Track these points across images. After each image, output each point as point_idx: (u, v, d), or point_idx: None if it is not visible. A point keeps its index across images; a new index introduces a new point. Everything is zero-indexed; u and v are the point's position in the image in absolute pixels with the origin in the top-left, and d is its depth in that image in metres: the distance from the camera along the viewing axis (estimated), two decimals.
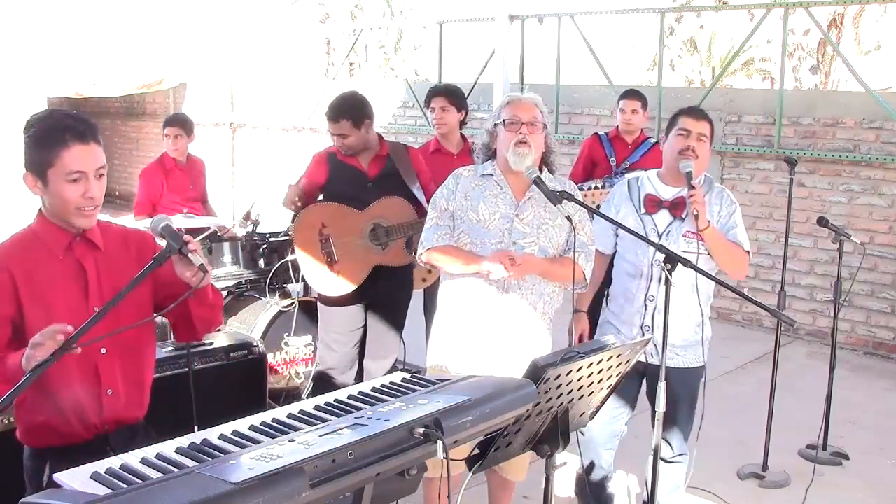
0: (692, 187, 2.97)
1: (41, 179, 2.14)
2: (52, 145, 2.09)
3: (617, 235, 3.25)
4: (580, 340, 3.33)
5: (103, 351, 2.20)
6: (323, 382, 4.07)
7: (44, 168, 2.12)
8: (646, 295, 3.13)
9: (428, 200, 3.93)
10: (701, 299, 3.11)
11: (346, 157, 3.94)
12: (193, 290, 2.11)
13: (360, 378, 4.14)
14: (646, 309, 3.14)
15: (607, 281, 3.37)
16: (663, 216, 3.11)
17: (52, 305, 2.13)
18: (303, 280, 4.23)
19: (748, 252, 3.16)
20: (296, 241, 3.97)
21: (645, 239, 2.86)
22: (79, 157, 2.10)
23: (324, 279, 3.88)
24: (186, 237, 2.09)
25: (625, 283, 3.21)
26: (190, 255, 2.05)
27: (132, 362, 2.28)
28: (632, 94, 5.31)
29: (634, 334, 3.14)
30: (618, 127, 5.31)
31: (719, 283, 2.83)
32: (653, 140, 5.42)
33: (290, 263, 4.57)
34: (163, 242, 2.16)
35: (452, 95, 4.54)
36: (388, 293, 4.02)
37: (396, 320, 4.13)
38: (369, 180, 3.94)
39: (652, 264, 3.11)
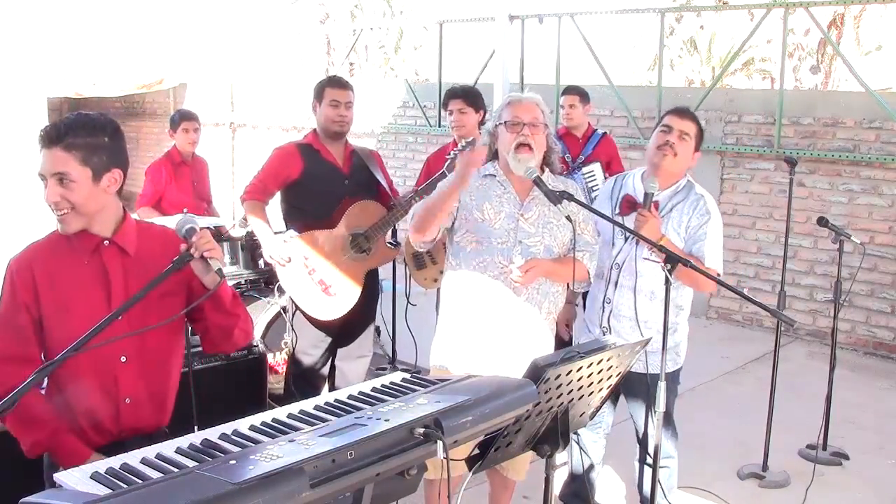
0: (645, 207, 2.95)
1: None
2: None
3: (598, 234, 3.24)
4: (566, 327, 3.35)
5: (123, 359, 2.19)
6: (298, 385, 4.02)
7: None
8: (604, 297, 3.16)
9: (394, 194, 4.05)
10: (666, 307, 3.09)
11: (323, 150, 3.90)
12: (209, 294, 2.11)
13: (332, 376, 4.14)
14: (603, 311, 3.17)
15: None
16: (634, 218, 3.05)
17: (73, 310, 2.13)
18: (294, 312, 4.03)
19: (712, 269, 3.02)
20: (284, 282, 3.85)
21: (651, 243, 2.85)
22: (41, 160, 2.11)
23: (323, 306, 3.84)
24: (206, 244, 2.09)
25: (593, 283, 3.23)
26: (209, 259, 2.04)
27: (155, 371, 2.26)
28: (569, 89, 5.50)
29: (597, 334, 3.16)
30: (563, 124, 5.45)
31: (719, 283, 2.82)
32: (601, 131, 5.58)
33: None
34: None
35: (469, 97, 4.53)
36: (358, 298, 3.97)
37: (367, 319, 4.13)
38: (345, 176, 3.93)
39: (611, 268, 3.12)
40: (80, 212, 2.12)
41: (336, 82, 3.96)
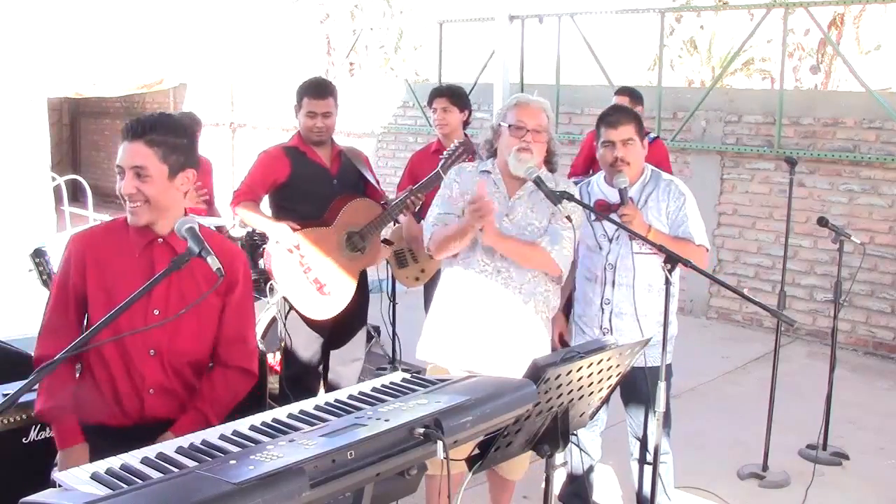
0: (623, 204, 3.01)
1: None
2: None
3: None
4: (559, 340, 3.34)
5: (152, 353, 2.27)
6: (292, 386, 4.00)
7: None
8: (601, 298, 3.17)
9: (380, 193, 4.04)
10: (663, 298, 3.11)
11: (309, 151, 3.88)
12: (208, 294, 2.16)
13: (326, 379, 4.13)
14: (603, 312, 3.18)
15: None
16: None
17: (116, 298, 2.18)
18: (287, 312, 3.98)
19: (702, 246, 3.10)
20: (279, 280, 3.79)
21: (644, 239, 2.87)
22: (121, 152, 2.21)
23: (318, 305, 3.82)
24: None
25: (583, 286, 3.26)
26: (207, 258, 2.05)
27: (184, 369, 2.34)
28: (622, 90, 5.52)
29: (596, 335, 3.17)
30: None
31: (719, 283, 2.83)
32: (653, 135, 5.50)
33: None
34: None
35: (454, 96, 4.52)
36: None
37: (359, 320, 4.11)
38: (333, 177, 3.92)
39: (605, 268, 3.15)
40: (153, 206, 2.23)
41: (314, 91, 3.86)
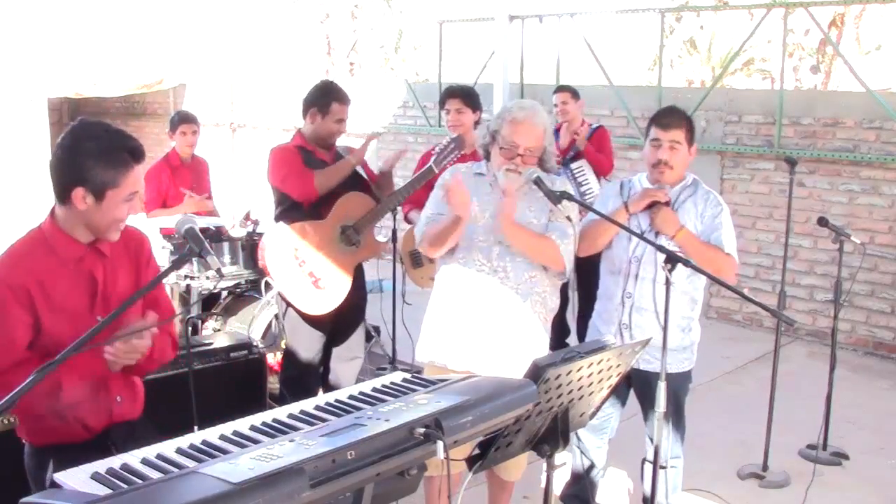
0: (658, 203, 3.01)
1: (97, 197, 2.10)
2: (119, 166, 2.10)
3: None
4: None
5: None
6: (292, 386, 4.01)
7: (105, 188, 2.10)
8: (623, 292, 3.13)
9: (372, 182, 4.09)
10: (683, 301, 3.10)
11: (316, 151, 3.93)
12: (191, 305, 2.14)
13: (326, 378, 4.14)
14: (623, 306, 3.14)
15: (594, 284, 3.38)
16: (647, 217, 3.09)
17: (62, 314, 2.15)
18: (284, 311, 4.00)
19: (731, 256, 3.09)
20: (274, 274, 3.79)
21: (644, 238, 2.87)
22: (137, 177, 2.15)
23: (313, 300, 3.81)
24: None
25: (606, 280, 3.24)
26: (208, 258, 2.04)
27: (129, 367, 2.26)
28: (559, 88, 5.71)
29: (613, 332, 3.14)
30: (559, 120, 5.59)
31: (719, 283, 2.83)
32: (595, 125, 5.64)
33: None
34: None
35: (467, 96, 4.55)
36: (348, 295, 3.97)
37: (358, 317, 4.14)
38: None
39: (630, 261, 3.12)
40: None
41: (343, 97, 3.94)
